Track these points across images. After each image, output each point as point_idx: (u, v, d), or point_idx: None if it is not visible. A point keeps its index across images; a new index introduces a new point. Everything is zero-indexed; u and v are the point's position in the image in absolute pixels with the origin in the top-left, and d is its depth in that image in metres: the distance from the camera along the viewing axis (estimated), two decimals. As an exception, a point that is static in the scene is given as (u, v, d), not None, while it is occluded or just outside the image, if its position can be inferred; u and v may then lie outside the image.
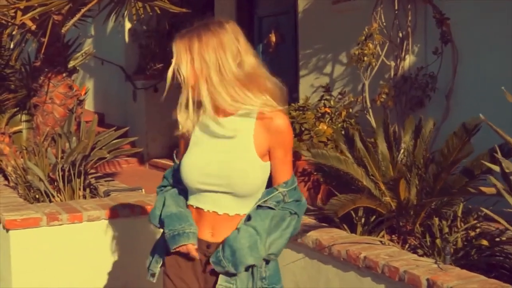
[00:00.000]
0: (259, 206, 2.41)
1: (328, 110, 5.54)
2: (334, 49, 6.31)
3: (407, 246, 3.94)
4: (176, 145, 2.63)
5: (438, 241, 3.65)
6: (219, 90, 2.31)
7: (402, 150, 4.43)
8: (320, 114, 5.51)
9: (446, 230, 3.80)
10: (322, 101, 5.74)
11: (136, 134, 7.66)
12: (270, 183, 2.47)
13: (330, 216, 3.94)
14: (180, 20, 7.75)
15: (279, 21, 7.71)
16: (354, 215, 4.14)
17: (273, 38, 7.59)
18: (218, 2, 8.35)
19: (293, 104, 5.77)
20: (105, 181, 5.89)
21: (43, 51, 5.63)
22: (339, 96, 5.87)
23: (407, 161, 4.25)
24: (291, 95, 6.98)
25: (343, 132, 4.74)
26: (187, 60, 2.32)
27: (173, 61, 2.35)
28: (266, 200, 2.41)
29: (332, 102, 5.72)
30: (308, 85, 6.56)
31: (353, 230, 4.16)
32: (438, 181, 3.87)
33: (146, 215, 4.62)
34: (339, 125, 5.41)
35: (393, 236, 4.10)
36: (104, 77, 10.56)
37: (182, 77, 2.33)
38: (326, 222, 4.36)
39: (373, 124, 5.11)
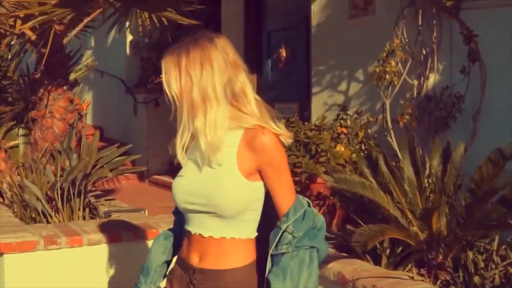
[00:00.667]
0: (272, 256, 2.21)
1: (344, 130, 5.24)
2: (349, 65, 6.02)
3: (438, 282, 3.63)
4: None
5: (476, 278, 3.34)
6: (198, 108, 2.17)
7: (427, 176, 4.14)
8: (336, 135, 5.21)
9: (482, 265, 3.49)
10: (338, 121, 5.44)
11: (137, 149, 7.38)
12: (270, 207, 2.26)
13: (356, 247, 3.63)
14: (184, 33, 7.49)
15: (289, 35, 7.43)
16: (378, 246, 3.84)
17: (283, 53, 7.28)
18: (224, 14, 8.09)
19: (306, 123, 5.48)
20: (106, 200, 5.62)
21: (43, 62, 5.37)
22: (355, 116, 5.56)
23: (435, 188, 3.96)
24: (302, 112, 6.72)
25: (364, 155, 4.45)
26: (176, 76, 2.19)
27: (163, 77, 2.22)
28: (276, 246, 2.20)
29: (348, 122, 5.41)
30: (321, 103, 6.26)
31: (376, 261, 3.87)
32: (473, 212, 3.58)
33: (150, 239, 4.39)
34: (357, 146, 5.11)
35: (421, 269, 3.79)
36: (104, 90, 10.32)
37: (172, 95, 2.21)
38: (345, 250, 4.08)
39: (395, 146, 4.83)
